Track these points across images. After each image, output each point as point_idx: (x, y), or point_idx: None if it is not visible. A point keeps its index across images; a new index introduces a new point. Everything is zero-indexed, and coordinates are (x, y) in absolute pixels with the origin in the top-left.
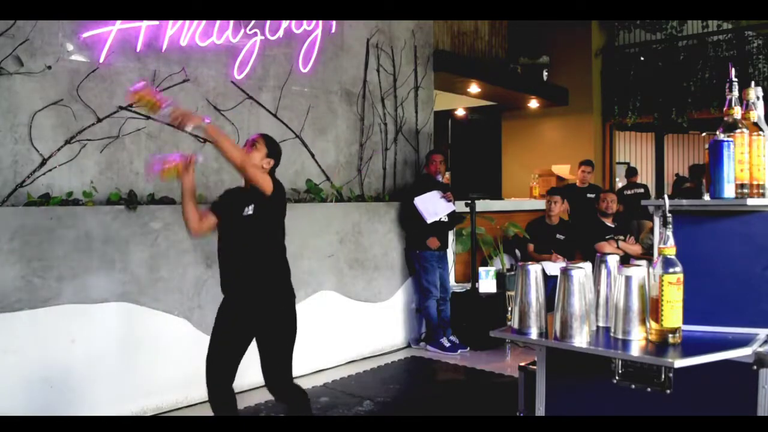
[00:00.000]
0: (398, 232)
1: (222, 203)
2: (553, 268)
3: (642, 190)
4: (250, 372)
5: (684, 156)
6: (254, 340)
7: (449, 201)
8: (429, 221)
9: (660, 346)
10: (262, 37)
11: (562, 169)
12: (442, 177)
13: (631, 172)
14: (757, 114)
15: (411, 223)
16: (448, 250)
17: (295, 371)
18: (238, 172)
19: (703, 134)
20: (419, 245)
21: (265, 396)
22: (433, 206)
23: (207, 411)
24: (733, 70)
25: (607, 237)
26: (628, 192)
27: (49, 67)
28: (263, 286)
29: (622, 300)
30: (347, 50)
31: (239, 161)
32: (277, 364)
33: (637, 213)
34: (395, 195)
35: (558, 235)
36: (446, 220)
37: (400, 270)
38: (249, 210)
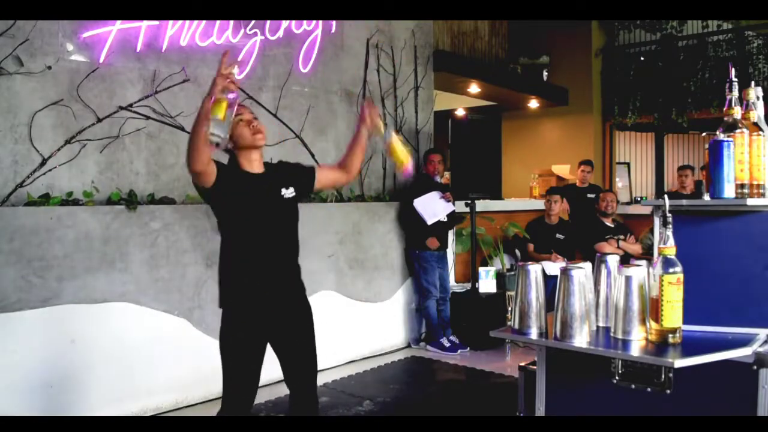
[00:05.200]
0: (398, 232)
1: (232, 178)
2: (553, 268)
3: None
4: None
5: (684, 156)
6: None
7: (448, 201)
8: (429, 223)
9: (660, 346)
10: (262, 37)
11: (562, 169)
12: (440, 177)
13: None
14: (757, 114)
15: (410, 223)
16: (447, 250)
17: None
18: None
19: (703, 134)
20: (418, 245)
21: (266, 396)
22: (432, 207)
23: (207, 411)
24: (733, 70)
25: (607, 237)
26: None
27: (49, 67)
28: (300, 278)
29: (622, 300)
30: (347, 50)
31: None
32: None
33: None
34: (395, 195)
35: (558, 235)
36: (445, 220)
37: (400, 270)
38: (288, 192)
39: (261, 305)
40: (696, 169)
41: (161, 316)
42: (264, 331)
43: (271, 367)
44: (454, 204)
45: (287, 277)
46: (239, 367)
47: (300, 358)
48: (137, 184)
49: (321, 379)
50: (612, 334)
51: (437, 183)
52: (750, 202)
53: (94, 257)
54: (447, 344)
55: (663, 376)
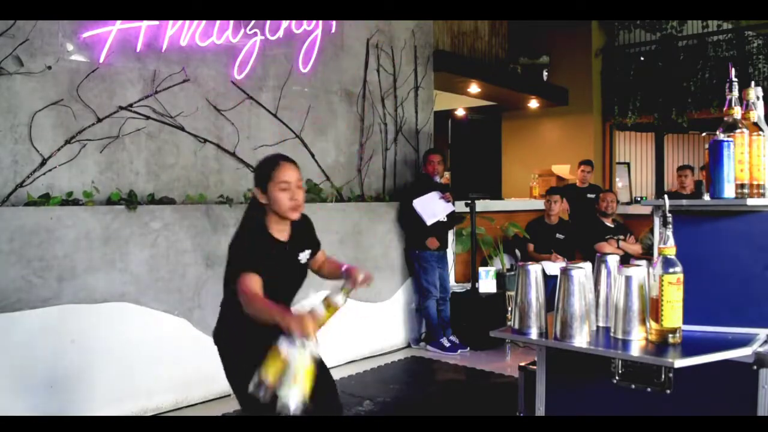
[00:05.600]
0: (398, 232)
1: (260, 257)
2: (553, 268)
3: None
4: None
5: (684, 156)
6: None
7: (448, 201)
8: (429, 223)
9: (660, 346)
10: (262, 37)
11: (562, 169)
12: (440, 177)
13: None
14: (757, 114)
15: (410, 223)
16: (448, 250)
17: None
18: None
19: (703, 134)
20: (418, 245)
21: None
22: (432, 207)
23: (207, 411)
24: (733, 70)
25: (607, 237)
26: None
27: (49, 67)
28: None
29: (622, 300)
30: (347, 50)
31: None
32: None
33: None
34: (395, 195)
35: (558, 235)
36: (445, 220)
37: (400, 270)
38: (304, 257)
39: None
40: (696, 169)
41: (161, 316)
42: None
43: None
44: (453, 204)
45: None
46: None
47: (323, 395)
48: (137, 184)
49: None
50: (612, 334)
51: (437, 183)
52: (750, 202)
53: (94, 257)
54: (447, 344)
55: (663, 376)
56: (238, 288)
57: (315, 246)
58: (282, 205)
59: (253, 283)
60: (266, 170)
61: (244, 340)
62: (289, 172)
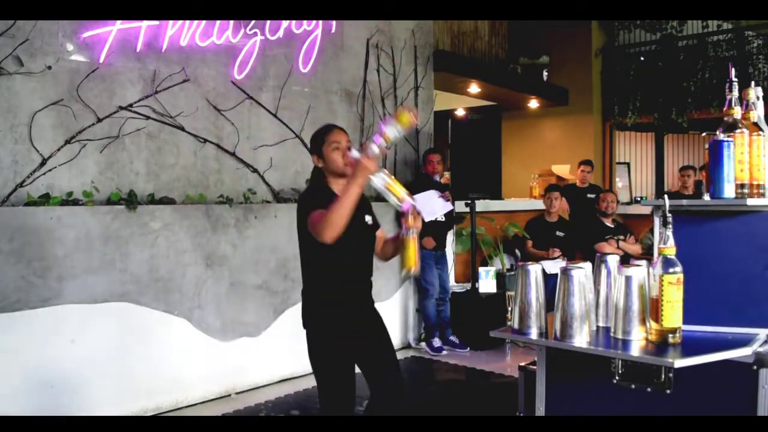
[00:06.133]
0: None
1: (323, 202)
2: (553, 266)
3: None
4: (249, 372)
5: (684, 156)
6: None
7: (447, 200)
8: (426, 220)
9: (660, 346)
10: (262, 37)
11: (562, 169)
12: (440, 177)
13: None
14: (757, 114)
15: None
16: (447, 250)
17: (296, 371)
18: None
19: (703, 134)
20: None
21: (265, 396)
22: (430, 206)
23: (207, 411)
24: (733, 70)
25: (607, 237)
26: None
27: (49, 67)
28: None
29: (622, 300)
30: (347, 50)
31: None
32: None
33: None
34: None
35: (558, 233)
36: (443, 219)
37: (399, 270)
38: (369, 219)
39: (350, 325)
40: (696, 169)
41: (161, 316)
42: (352, 346)
43: (271, 368)
44: (453, 204)
45: (367, 295)
46: (336, 382)
47: (386, 361)
48: (137, 184)
49: None
50: (612, 334)
51: (436, 182)
52: (750, 202)
53: (94, 257)
54: (436, 345)
55: (663, 376)
56: (310, 225)
57: (376, 220)
58: (336, 161)
59: (320, 212)
60: (320, 135)
61: (319, 316)
62: (339, 135)
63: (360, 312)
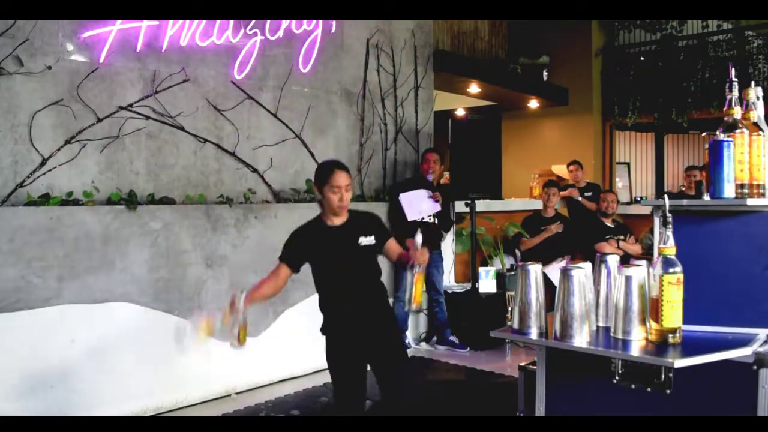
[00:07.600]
0: None
1: (302, 247)
2: (554, 273)
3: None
4: (249, 372)
5: (684, 156)
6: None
7: (437, 201)
8: (410, 219)
9: (660, 346)
10: (262, 37)
11: (562, 169)
12: (434, 176)
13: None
14: (757, 114)
15: (393, 216)
16: (443, 252)
17: (296, 371)
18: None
19: (703, 134)
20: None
21: (266, 396)
22: (417, 205)
23: (207, 411)
24: (733, 70)
25: (607, 237)
26: None
27: (49, 67)
28: (381, 292)
29: (622, 300)
30: (347, 50)
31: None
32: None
33: None
34: None
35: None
36: (430, 220)
37: (394, 274)
38: (364, 241)
39: (352, 331)
40: (700, 169)
41: (161, 316)
42: (361, 347)
43: (271, 368)
44: (453, 206)
45: (368, 301)
46: (348, 381)
47: (391, 359)
48: (137, 184)
49: (321, 380)
50: (612, 334)
51: (427, 182)
52: (750, 202)
53: (94, 257)
54: (409, 347)
55: (663, 376)
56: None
57: (383, 235)
58: (331, 204)
59: (275, 269)
60: (325, 174)
61: (328, 327)
62: (341, 179)
63: (361, 324)
